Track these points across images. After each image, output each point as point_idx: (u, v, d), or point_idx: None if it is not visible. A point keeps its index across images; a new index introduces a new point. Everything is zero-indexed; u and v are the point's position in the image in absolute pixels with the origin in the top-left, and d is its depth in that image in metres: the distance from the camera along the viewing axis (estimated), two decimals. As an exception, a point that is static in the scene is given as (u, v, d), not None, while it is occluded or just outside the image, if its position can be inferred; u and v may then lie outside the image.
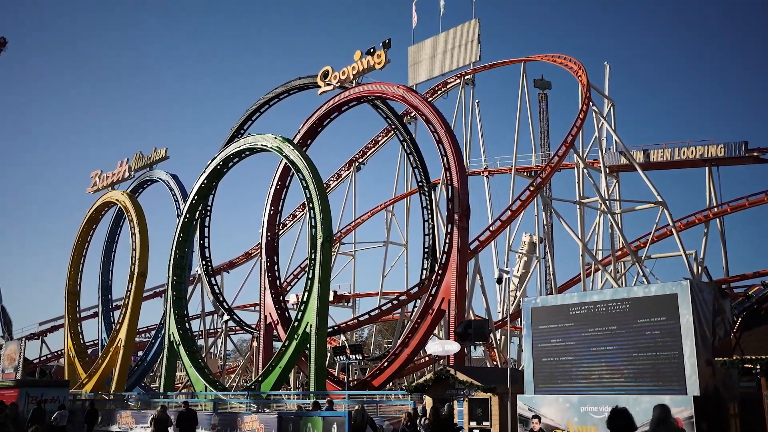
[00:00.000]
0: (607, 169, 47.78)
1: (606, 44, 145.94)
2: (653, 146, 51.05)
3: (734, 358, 23.29)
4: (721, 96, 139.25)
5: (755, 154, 47.29)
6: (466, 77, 54.57)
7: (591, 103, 45.41)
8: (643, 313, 26.80)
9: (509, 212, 42.53)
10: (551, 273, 45.97)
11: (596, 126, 46.94)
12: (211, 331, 63.96)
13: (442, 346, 30.83)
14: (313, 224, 37.56)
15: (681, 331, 25.36)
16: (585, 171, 44.70)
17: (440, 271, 38.98)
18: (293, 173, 42.69)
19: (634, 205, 46.60)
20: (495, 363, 45.15)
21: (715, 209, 48.11)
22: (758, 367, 22.92)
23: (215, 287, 51.42)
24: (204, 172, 45.79)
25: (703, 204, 49.12)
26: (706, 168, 49.09)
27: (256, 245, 59.13)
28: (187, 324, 44.51)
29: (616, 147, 50.28)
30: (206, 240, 50.59)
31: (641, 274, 43.38)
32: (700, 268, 44.01)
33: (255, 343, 48.56)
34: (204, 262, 50.72)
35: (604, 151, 47.60)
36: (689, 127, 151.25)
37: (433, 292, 38.83)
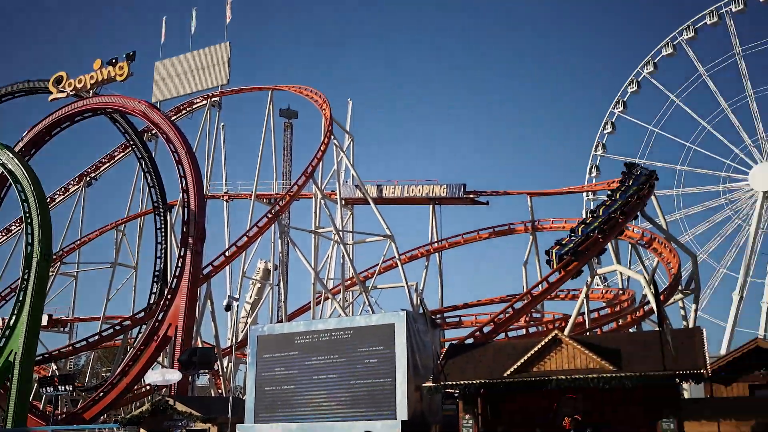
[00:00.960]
0: (343, 201, 49.77)
1: (352, 81, 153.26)
2: (386, 182, 54.32)
3: (438, 384, 25.46)
4: (446, 140, 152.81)
5: (471, 196, 52.36)
6: (213, 99, 53.88)
7: (332, 137, 47.10)
8: (363, 341, 28.31)
9: (246, 238, 42.44)
10: (283, 300, 46.55)
11: (336, 159, 48.74)
12: None
13: (162, 375, 29.73)
14: (30, 241, 34.47)
15: (395, 359, 27.17)
16: (322, 202, 46.10)
17: (170, 296, 37.68)
18: (11, 184, 38.85)
19: (365, 237, 48.94)
20: (220, 391, 44.43)
21: (435, 244, 52.27)
22: (457, 392, 25.28)
23: None
24: None
25: (426, 239, 53.17)
26: (431, 206, 53.29)
27: (-43, 263, 52.51)
28: None
29: (353, 180, 52.64)
30: None
31: (367, 303, 45.54)
32: (418, 298, 47.24)
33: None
34: None
35: (341, 184, 49.56)
36: (420, 167, 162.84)
37: (160, 318, 37.36)
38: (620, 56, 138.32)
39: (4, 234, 56.58)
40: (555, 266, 34.23)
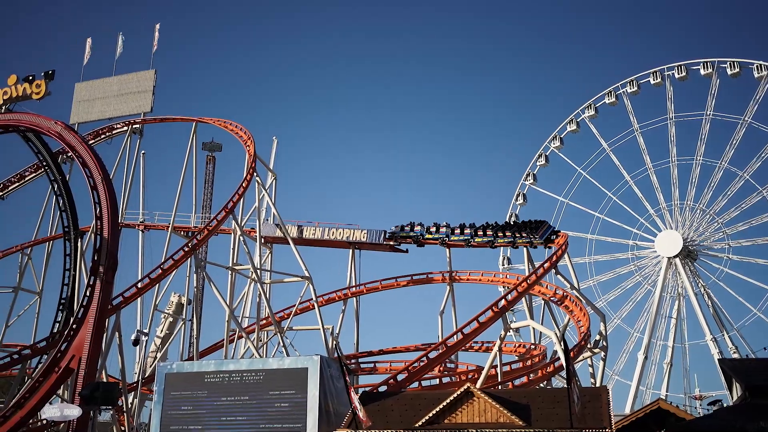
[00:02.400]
0: (263, 240, 49.20)
1: (278, 118, 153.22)
2: (307, 223, 53.99)
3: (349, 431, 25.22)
4: (369, 185, 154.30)
5: (391, 243, 52.68)
6: (134, 126, 52.66)
7: (255, 174, 46.74)
8: (275, 384, 27.85)
9: (160, 270, 41.28)
10: (195, 336, 45.34)
11: (257, 196, 48.31)
12: None
13: (60, 410, 28.28)
14: (-76, 260, 32.45)
15: (307, 405, 26.84)
16: (241, 238, 45.47)
17: (75, 326, 36.04)
18: None
19: (283, 276, 48.35)
20: (123, 429, 42.55)
21: (353, 289, 52.14)
22: (368, 441, 25.12)
23: None
24: None
25: (345, 283, 52.98)
26: (350, 250, 53.25)
27: None
28: None
29: (273, 219, 52.21)
30: None
31: (282, 344, 44.88)
32: (334, 342, 46.94)
33: None
34: None
35: (261, 222, 49.04)
36: (342, 210, 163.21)
37: (63, 348, 35.62)
38: (530, 129, 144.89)
39: None
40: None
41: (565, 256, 43.39)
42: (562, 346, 31.05)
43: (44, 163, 45.57)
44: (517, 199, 65.68)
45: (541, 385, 37.57)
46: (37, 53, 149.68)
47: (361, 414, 24.02)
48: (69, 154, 46.66)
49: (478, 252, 56.59)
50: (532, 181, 65.79)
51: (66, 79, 55.90)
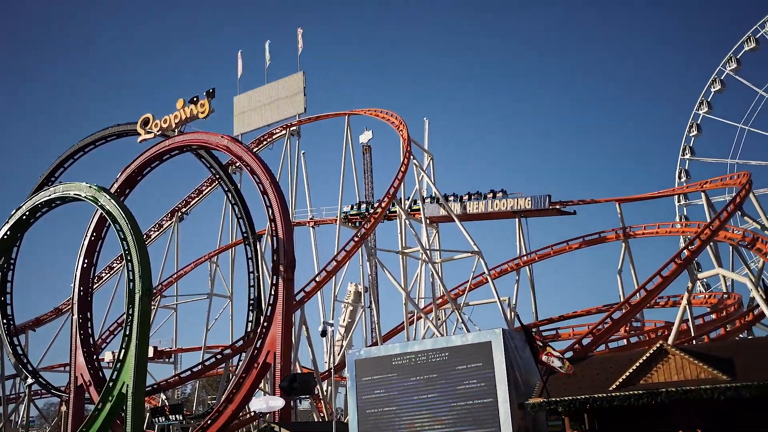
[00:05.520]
0: (428, 220, 49.70)
1: (425, 100, 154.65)
2: (468, 200, 53.82)
3: (541, 400, 24.94)
4: (527, 150, 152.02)
5: (557, 206, 51.36)
6: (291, 128, 54.94)
7: (411, 157, 47.22)
8: (460, 361, 28.07)
9: (334, 262, 42.85)
10: (376, 322, 46.76)
11: (417, 179, 48.83)
12: (11, 396, 58.38)
13: (266, 402, 30.25)
14: (131, 277, 35.82)
15: (495, 378, 26.81)
16: (407, 222, 46.23)
17: (266, 324, 38.38)
18: (110, 224, 40.58)
19: (452, 254, 48.61)
20: (322, 415, 44.82)
21: (525, 258, 51.42)
22: (560, 408, 24.73)
23: (18, 348, 47.13)
24: (7, 222, 42.37)
25: (514, 253, 52.45)
26: (516, 219, 52.55)
27: (67, 300, 55.28)
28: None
29: (435, 199, 52.53)
30: (8, 296, 46.56)
31: (460, 320, 45.22)
32: (512, 313, 46.65)
33: (64, 408, 44.87)
34: (5, 321, 46.49)
35: (424, 203, 49.52)
36: (503, 180, 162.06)
37: (258, 345, 38.10)
38: (701, 55, 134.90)
39: (107, 271, 59.18)
40: None
41: (750, 195, 40.25)
42: (761, 292, 28.99)
43: (217, 176, 48.65)
44: (690, 131, 60.72)
45: (741, 336, 35.23)
46: (199, 72, 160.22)
47: (564, 369, 24.02)
48: (237, 164, 49.58)
49: (651, 203, 54.03)
50: (706, 109, 60.18)
51: (225, 94, 59.14)
